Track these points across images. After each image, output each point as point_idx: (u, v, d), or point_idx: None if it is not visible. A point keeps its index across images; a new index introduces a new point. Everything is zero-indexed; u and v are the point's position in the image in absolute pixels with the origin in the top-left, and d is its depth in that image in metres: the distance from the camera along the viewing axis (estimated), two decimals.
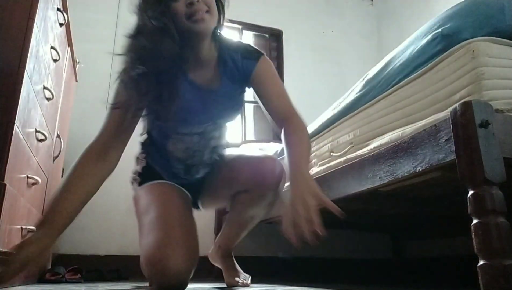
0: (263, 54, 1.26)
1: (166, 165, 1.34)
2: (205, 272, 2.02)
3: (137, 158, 1.43)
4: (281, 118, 1.27)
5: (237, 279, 1.54)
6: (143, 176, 1.35)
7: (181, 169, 1.34)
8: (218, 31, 1.18)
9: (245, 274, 1.58)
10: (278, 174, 1.28)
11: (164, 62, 1.03)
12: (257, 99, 1.28)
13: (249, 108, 3.43)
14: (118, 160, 1.24)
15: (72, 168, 1.10)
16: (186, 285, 1.11)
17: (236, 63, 1.21)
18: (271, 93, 1.24)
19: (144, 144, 1.42)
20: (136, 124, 1.23)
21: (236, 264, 1.61)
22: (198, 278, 1.97)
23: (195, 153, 1.31)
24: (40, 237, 0.96)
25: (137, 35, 1.03)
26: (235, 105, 1.29)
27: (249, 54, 1.23)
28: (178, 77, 1.10)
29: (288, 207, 0.94)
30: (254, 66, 1.22)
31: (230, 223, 1.50)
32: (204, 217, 2.79)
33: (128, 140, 1.23)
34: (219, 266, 1.63)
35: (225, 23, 1.21)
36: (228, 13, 1.25)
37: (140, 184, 1.35)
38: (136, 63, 1.02)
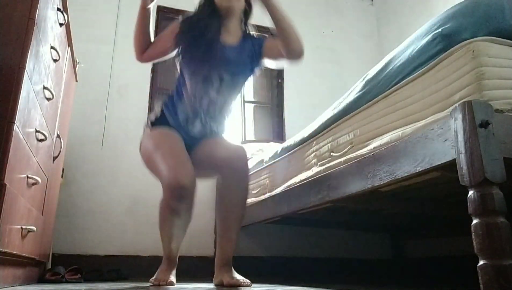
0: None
1: (175, 111, 1.61)
2: (205, 272, 2.01)
3: (154, 109, 1.69)
4: None
5: (236, 276, 1.52)
6: (154, 123, 1.62)
7: (184, 117, 1.60)
8: (247, 21, 1.70)
9: (245, 279, 1.54)
10: (245, 160, 1.56)
11: (204, 22, 1.55)
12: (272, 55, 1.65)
13: (249, 108, 3.44)
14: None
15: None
16: (193, 197, 1.49)
17: (253, 41, 1.65)
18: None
19: (167, 97, 1.68)
20: (165, 53, 1.68)
21: (237, 274, 1.56)
22: (198, 278, 1.97)
23: (196, 98, 1.58)
24: None
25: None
26: (245, 65, 1.62)
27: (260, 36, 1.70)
28: (212, 32, 1.55)
29: None
30: (264, 40, 1.67)
31: (219, 233, 1.60)
32: (204, 218, 2.80)
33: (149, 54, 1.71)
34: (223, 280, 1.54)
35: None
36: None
37: (151, 126, 1.63)
38: (188, 19, 1.61)
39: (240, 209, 1.56)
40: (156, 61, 1.76)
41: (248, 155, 2.73)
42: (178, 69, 1.66)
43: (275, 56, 1.64)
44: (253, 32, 1.71)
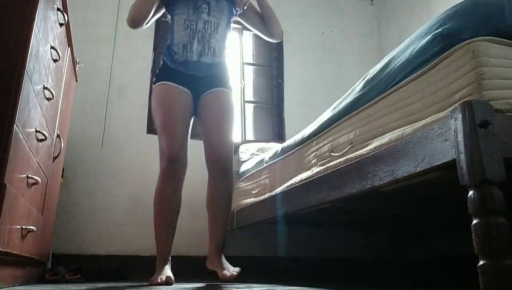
0: None
1: (172, 50, 1.82)
2: (205, 272, 2.02)
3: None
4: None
5: (225, 272, 1.72)
6: (157, 76, 1.84)
7: (182, 46, 1.80)
8: None
9: (234, 268, 1.75)
10: (231, 163, 1.85)
11: None
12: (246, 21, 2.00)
13: (249, 108, 3.44)
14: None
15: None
16: (180, 165, 1.81)
17: None
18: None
19: (165, 46, 1.90)
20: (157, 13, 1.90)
21: (227, 263, 1.81)
22: (198, 278, 1.98)
23: (192, 22, 1.80)
24: None
25: None
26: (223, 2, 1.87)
27: None
28: None
29: None
30: None
31: (210, 226, 1.88)
32: (203, 218, 2.79)
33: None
34: (215, 269, 1.80)
35: None
36: None
37: (154, 83, 1.84)
38: None
39: (227, 205, 1.87)
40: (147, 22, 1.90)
41: (248, 155, 2.75)
42: (169, 17, 1.90)
43: (249, 21, 1.98)
44: None
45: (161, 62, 1.88)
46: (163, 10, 1.92)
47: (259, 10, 1.97)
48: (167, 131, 1.74)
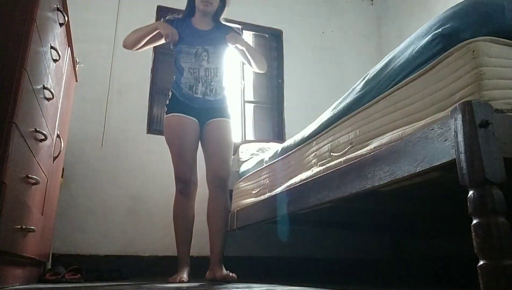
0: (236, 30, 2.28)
1: (180, 86, 2.08)
2: (205, 272, 2.02)
3: (168, 95, 2.16)
4: None
5: (226, 272, 1.98)
6: (169, 107, 2.11)
7: (188, 86, 2.07)
8: (219, 17, 2.22)
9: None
10: (227, 181, 2.14)
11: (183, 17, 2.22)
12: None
13: (249, 108, 3.44)
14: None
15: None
16: (192, 185, 2.14)
17: (224, 28, 2.23)
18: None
19: (173, 82, 2.16)
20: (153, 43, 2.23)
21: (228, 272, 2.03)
22: (198, 278, 1.98)
23: (195, 70, 2.09)
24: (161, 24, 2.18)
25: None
26: (221, 40, 2.16)
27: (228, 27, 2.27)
28: (189, 23, 2.19)
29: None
30: (230, 30, 2.24)
31: (210, 239, 2.09)
32: (203, 219, 2.80)
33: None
34: (217, 277, 1.97)
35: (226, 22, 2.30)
36: (229, 12, 2.30)
37: (167, 113, 2.10)
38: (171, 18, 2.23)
39: (224, 220, 2.10)
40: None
41: (248, 155, 2.76)
42: (175, 58, 2.17)
43: (240, 54, 2.27)
44: (224, 22, 2.27)
45: (170, 94, 2.13)
46: (161, 42, 2.21)
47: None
48: (180, 159, 2.06)
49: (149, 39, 2.16)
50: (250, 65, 2.29)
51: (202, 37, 2.14)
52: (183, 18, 2.20)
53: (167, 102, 2.13)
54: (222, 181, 2.08)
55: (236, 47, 2.20)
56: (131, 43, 2.14)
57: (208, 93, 2.09)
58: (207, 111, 2.10)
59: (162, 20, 2.24)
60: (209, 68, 2.10)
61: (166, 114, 2.10)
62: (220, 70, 2.14)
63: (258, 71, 2.31)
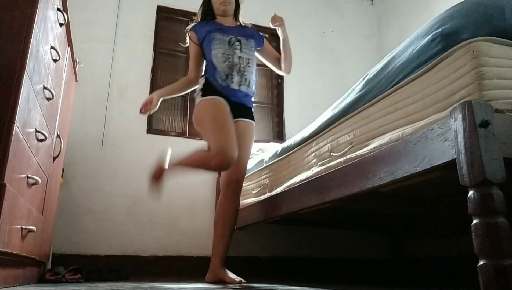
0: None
1: (216, 76, 2.01)
2: (205, 272, 2.02)
3: (200, 81, 2.09)
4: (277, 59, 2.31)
5: (234, 277, 1.88)
6: (205, 92, 2.01)
7: (224, 74, 2.00)
8: (237, 16, 2.25)
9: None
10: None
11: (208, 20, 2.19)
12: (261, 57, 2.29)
13: None
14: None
15: (177, 82, 2.20)
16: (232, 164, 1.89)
17: (252, 30, 2.25)
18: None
19: (206, 72, 2.09)
20: (202, 59, 2.16)
21: (231, 272, 1.94)
22: (198, 278, 1.98)
23: (229, 56, 2.04)
24: (153, 93, 2.09)
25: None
26: (252, 32, 2.20)
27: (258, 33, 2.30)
28: (217, 24, 2.15)
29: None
30: (263, 38, 2.29)
31: (217, 241, 1.98)
32: (204, 218, 2.79)
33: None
34: (220, 278, 1.89)
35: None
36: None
37: (203, 96, 2.00)
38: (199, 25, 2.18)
39: (234, 222, 2.02)
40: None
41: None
42: (205, 55, 2.11)
43: (267, 57, 2.29)
44: (245, 23, 2.26)
45: (205, 81, 2.04)
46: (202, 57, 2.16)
47: (274, 51, 2.30)
48: (226, 134, 1.87)
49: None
50: (277, 65, 2.27)
51: (233, 29, 2.13)
52: (205, 21, 2.16)
53: (201, 87, 2.04)
54: (239, 185, 2.03)
55: (277, 29, 2.20)
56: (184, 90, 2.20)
57: (243, 82, 2.03)
58: (239, 107, 2.05)
59: (190, 29, 2.16)
60: (242, 57, 2.06)
61: (202, 97, 1.99)
62: (252, 62, 2.11)
63: (283, 72, 2.28)
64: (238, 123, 2.04)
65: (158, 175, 1.96)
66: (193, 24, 2.18)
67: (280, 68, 2.27)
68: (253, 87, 2.13)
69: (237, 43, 2.07)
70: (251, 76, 2.09)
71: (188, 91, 2.19)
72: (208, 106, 1.96)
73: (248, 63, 2.08)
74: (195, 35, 2.11)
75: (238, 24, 2.23)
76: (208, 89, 2.00)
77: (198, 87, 2.07)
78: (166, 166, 1.96)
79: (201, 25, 2.13)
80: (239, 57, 2.05)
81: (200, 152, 1.96)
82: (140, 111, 2.04)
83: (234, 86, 2.00)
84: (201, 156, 1.92)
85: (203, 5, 2.20)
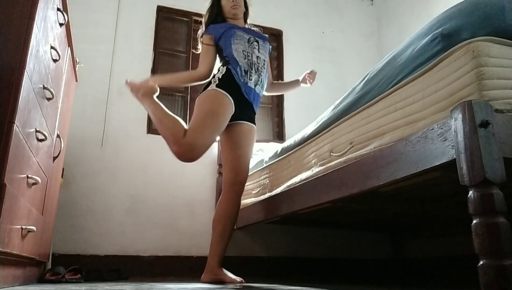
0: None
1: (236, 71, 1.99)
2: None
3: (218, 69, 2.04)
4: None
5: (235, 277, 1.85)
6: (222, 81, 1.95)
7: (244, 71, 1.99)
8: (247, 17, 2.28)
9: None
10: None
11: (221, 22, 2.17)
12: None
13: None
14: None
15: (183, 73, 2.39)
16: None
17: (260, 33, 2.24)
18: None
19: (226, 61, 2.04)
20: (215, 58, 2.12)
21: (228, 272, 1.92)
22: (198, 278, 1.97)
23: (248, 53, 2.04)
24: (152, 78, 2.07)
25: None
26: (263, 38, 2.18)
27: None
28: (232, 24, 2.13)
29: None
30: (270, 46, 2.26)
31: (216, 241, 1.96)
32: (204, 218, 2.79)
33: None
34: (219, 278, 1.87)
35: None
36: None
37: (217, 86, 1.93)
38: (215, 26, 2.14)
39: (234, 222, 2.01)
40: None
41: None
42: (224, 50, 2.06)
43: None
44: (255, 29, 2.25)
45: (226, 71, 1.98)
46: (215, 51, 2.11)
47: (269, 66, 2.28)
48: (212, 132, 1.83)
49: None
50: (274, 92, 2.41)
51: (249, 30, 2.15)
52: (218, 23, 2.14)
53: (220, 76, 1.97)
54: (242, 186, 2.02)
55: (303, 82, 2.31)
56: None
57: (258, 83, 2.04)
58: (248, 107, 2.03)
59: (204, 33, 2.12)
60: (260, 57, 2.08)
61: (217, 87, 1.91)
62: (267, 64, 2.14)
63: (264, 90, 2.22)
64: (243, 126, 2.04)
65: (144, 92, 1.93)
66: (204, 27, 2.15)
67: (269, 84, 2.28)
68: (264, 90, 2.14)
69: (256, 43, 2.09)
70: (264, 78, 2.10)
71: (190, 85, 2.14)
72: (216, 99, 1.89)
73: (264, 64, 2.10)
74: (211, 35, 2.08)
75: (249, 27, 2.24)
76: (226, 82, 1.94)
77: (217, 74, 2.00)
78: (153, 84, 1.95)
79: (215, 26, 2.10)
80: (257, 56, 2.06)
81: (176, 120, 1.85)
82: (126, 82, 1.98)
83: (251, 84, 2.00)
84: (174, 123, 1.82)
85: (211, 8, 2.16)
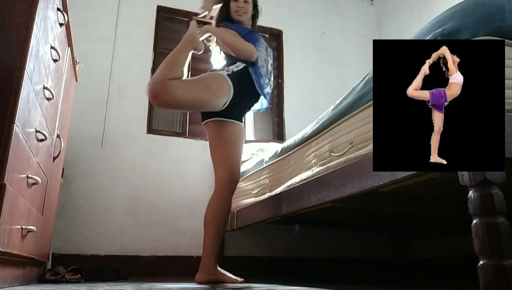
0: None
1: (259, 76, 1.97)
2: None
3: (234, 63, 1.97)
4: None
5: (236, 278, 1.84)
6: (235, 74, 1.89)
7: (264, 79, 1.98)
8: (255, 24, 2.22)
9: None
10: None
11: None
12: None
13: None
14: None
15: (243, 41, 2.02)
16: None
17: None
18: None
19: (250, 67, 1.98)
20: None
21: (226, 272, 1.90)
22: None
23: (266, 61, 2.04)
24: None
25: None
26: (267, 42, 2.23)
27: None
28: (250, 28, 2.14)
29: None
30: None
31: (211, 241, 1.90)
32: (203, 218, 2.79)
33: None
34: (218, 278, 1.84)
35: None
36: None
37: (229, 76, 1.88)
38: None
39: (227, 219, 2.00)
40: None
41: (248, 155, 2.76)
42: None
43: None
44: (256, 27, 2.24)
45: (243, 69, 1.92)
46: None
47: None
48: (199, 96, 1.79)
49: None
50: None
51: (263, 38, 2.15)
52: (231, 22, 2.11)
53: (235, 70, 1.91)
54: (235, 185, 2.00)
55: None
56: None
57: (268, 91, 2.05)
58: (246, 109, 2.04)
59: (218, 23, 2.11)
60: (272, 67, 2.11)
61: (226, 76, 1.86)
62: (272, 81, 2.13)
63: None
64: (239, 126, 1.99)
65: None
66: (216, 23, 2.11)
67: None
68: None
69: (270, 52, 2.12)
70: (271, 88, 2.12)
71: (238, 55, 1.98)
72: (218, 83, 1.83)
73: (272, 72, 2.13)
74: (232, 30, 2.02)
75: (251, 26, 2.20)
76: (238, 79, 1.88)
77: (231, 67, 1.93)
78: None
79: (234, 25, 2.05)
80: (271, 65, 2.10)
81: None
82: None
83: (268, 89, 2.04)
84: (175, 68, 1.73)
85: (224, 7, 2.12)
